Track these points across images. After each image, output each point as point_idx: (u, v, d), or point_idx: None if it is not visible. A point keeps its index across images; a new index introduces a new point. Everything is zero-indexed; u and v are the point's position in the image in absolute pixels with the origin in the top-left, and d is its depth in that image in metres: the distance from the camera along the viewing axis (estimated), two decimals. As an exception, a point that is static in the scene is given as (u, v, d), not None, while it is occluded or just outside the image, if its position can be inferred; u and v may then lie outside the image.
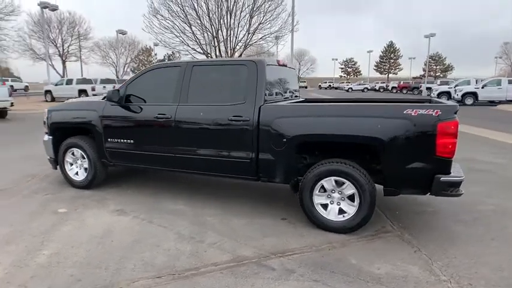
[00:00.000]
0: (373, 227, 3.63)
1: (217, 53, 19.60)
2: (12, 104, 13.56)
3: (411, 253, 3.12)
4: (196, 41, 19.50)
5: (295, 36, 22.79)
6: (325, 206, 3.54)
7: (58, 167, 4.91)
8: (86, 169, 4.72)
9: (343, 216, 3.46)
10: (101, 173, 4.72)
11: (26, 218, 3.82)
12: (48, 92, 24.68)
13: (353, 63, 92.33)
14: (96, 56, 49.01)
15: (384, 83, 56.41)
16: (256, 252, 3.09)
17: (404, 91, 43.05)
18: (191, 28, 19.33)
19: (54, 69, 37.67)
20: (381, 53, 79.84)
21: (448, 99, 18.93)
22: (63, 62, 42.17)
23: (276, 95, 4.27)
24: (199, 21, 19.11)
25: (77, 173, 4.81)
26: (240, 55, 20.37)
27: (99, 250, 3.11)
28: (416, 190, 3.30)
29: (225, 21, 19.36)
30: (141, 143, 4.29)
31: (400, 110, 3.18)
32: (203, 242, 3.30)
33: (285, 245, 3.25)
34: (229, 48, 19.52)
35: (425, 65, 60.53)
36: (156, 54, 61.02)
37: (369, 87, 55.49)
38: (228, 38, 19.26)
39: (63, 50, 40.90)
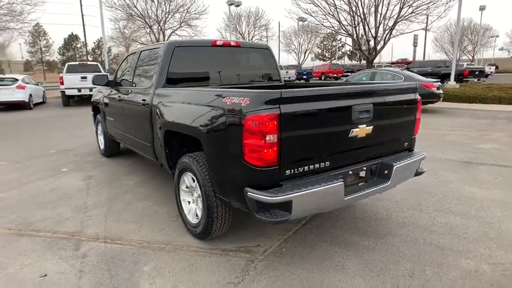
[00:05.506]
0: (243, 242, 3.00)
1: (359, 33, 17.96)
2: None
3: (220, 281, 2.44)
4: (338, 21, 18.48)
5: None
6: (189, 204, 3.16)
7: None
8: (106, 140, 5.82)
9: (197, 219, 3.01)
10: (111, 145, 5.69)
11: (39, 169, 5.20)
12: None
13: None
14: (274, 44, 53.79)
15: None
16: (96, 233, 3.18)
17: None
18: (336, 9, 18.43)
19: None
20: None
21: None
22: (248, 51, 48.62)
23: (214, 78, 3.94)
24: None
25: (102, 143, 5.98)
26: (387, 35, 17.92)
27: (26, 200, 3.98)
28: (240, 204, 2.43)
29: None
30: (116, 122, 4.92)
31: (219, 96, 2.43)
32: (85, 213, 3.63)
33: (132, 234, 3.17)
34: (371, 26, 17.50)
35: None
36: (340, 39, 60.91)
37: None
38: (371, 16, 17.26)
39: (249, 40, 46.99)
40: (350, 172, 2.61)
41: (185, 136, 2.97)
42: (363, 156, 2.71)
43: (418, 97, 3.04)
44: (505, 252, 2.77)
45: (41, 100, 15.73)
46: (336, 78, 36.70)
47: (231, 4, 33.24)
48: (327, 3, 17.97)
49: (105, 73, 5.54)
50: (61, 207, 3.80)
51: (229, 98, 2.34)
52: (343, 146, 2.52)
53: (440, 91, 11.40)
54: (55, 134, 8.33)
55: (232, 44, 4.04)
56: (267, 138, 2.10)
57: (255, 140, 2.13)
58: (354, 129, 2.50)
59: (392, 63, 45.93)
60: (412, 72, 16.03)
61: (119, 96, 4.54)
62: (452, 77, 16.38)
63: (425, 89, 11.04)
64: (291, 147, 2.21)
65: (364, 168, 2.71)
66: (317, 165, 2.40)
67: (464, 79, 21.21)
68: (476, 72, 21.12)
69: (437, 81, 11.55)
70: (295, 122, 2.20)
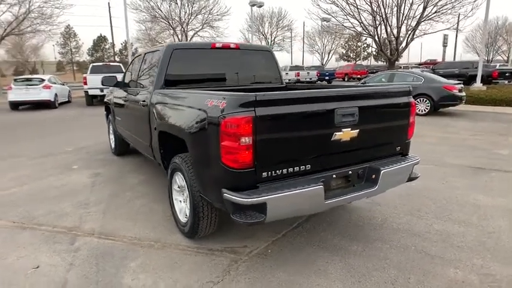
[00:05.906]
0: (231, 243, 3.03)
1: (381, 34, 17.57)
2: None
3: (200, 279, 2.48)
4: (359, 22, 18.15)
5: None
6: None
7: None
8: (116, 139, 6.03)
9: (186, 218, 3.07)
10: (121, 144, 5.88)
11: (52, 166, 5.45)
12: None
13: None
14: (298, 44, 53.44)
15: None
16: (92, 229, 3.31)
17: None
18: (357, 9, 18.11)
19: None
20: None
21: None
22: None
23: (212, 81, 4.01)
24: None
25: (113, 142, 6.19)
26: (410, 36, 17.41)
27: (34, 194, 4.19)
28: (221, 204, 2.44)
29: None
30: (123, 121, 5.08)
31: (203, 99, 2.48)
32: (86, 209, 3.78)
33: (126, 230, 3.27)
34: (393, 26, 17.05)
35: None
36: (366, 39, 59.77)
37: None
38: (393, 16, 16.82)
39: (272, 41, 46.96)
40: (334, 176, 2.58)
41: (176, 137, 3.05)
42: (349, 160, 2.67)
43: (412, 100, 2.96)
44: (499, 264, 2.65)
45: (66, 99, 16.43)
46: (360, 79, 36.11)
47: (253, 5, 33.30)
48: (347, 3, 17.70)
49: (114, 74, 5.91)
50: (65, 202, 3.97)
51: (210, 100, 2.38)
52: (325, 149, 2.49)
53: (463, 93, 10.98)
54: (74, 133, 8.70)
55: (232, 46, 4.08)
56: (242, 140, 2.12)
57: (231, 142, 2.16)
58: (337, 133, 2.47)
59: (420, 64, 44.45)
60: (438, 73, 15.53)
61: (125, 97, 4.70)
62: (478, 78, 15.72)
63: (446, 91, 10.68)
64: (267, 150, 2.22)
65: (350, 172, 2.67)
66: (297, 168, 2.39)
67: (494, 81, 20.29)
68: (507, 74, 20.12)
69: (459, 83, 11.12)
70: (271, 124, 2.21)
